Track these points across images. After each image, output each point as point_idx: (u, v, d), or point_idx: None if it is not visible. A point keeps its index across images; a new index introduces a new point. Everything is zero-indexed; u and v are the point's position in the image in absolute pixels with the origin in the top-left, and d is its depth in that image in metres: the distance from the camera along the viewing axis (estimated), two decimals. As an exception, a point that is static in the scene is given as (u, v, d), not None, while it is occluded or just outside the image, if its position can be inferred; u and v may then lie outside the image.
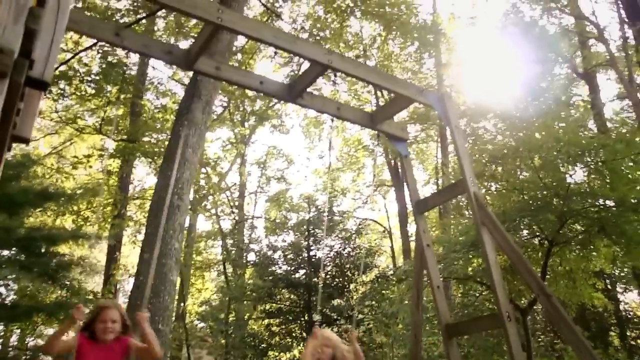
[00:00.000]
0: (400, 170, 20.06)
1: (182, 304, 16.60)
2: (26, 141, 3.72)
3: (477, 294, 11.80)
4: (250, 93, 20.54)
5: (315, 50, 4.60)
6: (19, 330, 15.37)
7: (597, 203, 9.21)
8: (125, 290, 19.09)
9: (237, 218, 19.59)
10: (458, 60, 20.53)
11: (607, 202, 9.14)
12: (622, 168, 8.92)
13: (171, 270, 7.74)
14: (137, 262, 8.88)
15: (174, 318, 15.74)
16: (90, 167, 16.40)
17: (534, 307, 16.11)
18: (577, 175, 10.54)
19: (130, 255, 20.17)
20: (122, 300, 16.92)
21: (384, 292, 13.19)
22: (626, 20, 13.07)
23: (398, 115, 15.43)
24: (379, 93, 19.45)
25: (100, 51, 15.09)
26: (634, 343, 15.90)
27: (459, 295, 13.62)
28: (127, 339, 3.75)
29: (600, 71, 19.07)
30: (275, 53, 17.17)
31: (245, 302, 14.52)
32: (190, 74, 11.08)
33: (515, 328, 4.30)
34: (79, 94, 15.05)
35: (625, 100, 17.78)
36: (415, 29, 17.69)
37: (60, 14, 3.15)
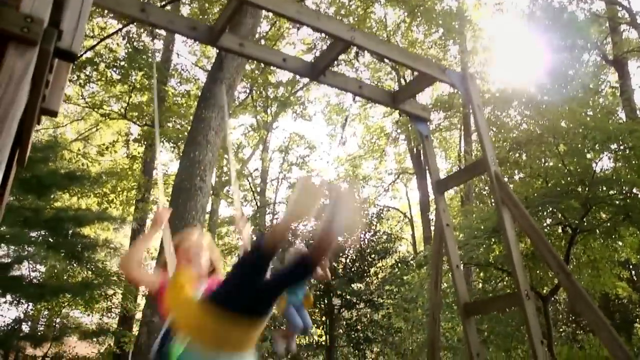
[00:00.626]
0: (422, 156, 19.94)
1: (204, 287, 16.84)
2: (54, 114, 3.81)
3: (498, 281, 11.73)
4: (273, 79, 20.60)
5: (338, 27, 4.60)
6: (46, 312, 15.77)
7: (623, 191, 9.07)
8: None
9: (258, 204, 19.74)
10: (483, 47, 20.23)
11: (634, 190, 9.00)
12: (650, 155, 8.75)
13: (193, 251, 7.84)
14: (159, 245, 9.02)
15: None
16: (116, 152, 16.67)
17: (556, 297, 16.00)
18: (604, 162, 10.38)
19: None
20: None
21: (404, 277, 13.20)
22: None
23: (421, 102, 15.31)
24: (401, 74, 19.30)
25: (126, 37, 15.32)
26: (658, 335, 15.61)
27: (480, 281, 13.55)
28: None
29: (631, 58, 18.61)
30: (298, 29, 17.03)
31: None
32: (214, 59, 11.17)
33: (533, 307, 4.29)
34: (104, 79, 15.29)
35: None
36: (440, 15, 17.48)
37: (88, -13, 3.21)
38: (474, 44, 20.10)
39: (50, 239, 9.50)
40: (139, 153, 16.61)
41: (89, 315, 16.14)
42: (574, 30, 16.05)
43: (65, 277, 14.12)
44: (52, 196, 10.63)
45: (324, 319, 13.10)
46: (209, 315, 2.26)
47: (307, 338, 13.26)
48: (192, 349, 2.38)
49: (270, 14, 19.14)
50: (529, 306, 4.23)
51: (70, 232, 9.93)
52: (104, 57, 14.58)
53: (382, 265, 13.90)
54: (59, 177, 9.90)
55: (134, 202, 17.27)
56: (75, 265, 11.95)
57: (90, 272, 11.92)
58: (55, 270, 14.00)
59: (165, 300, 2.79)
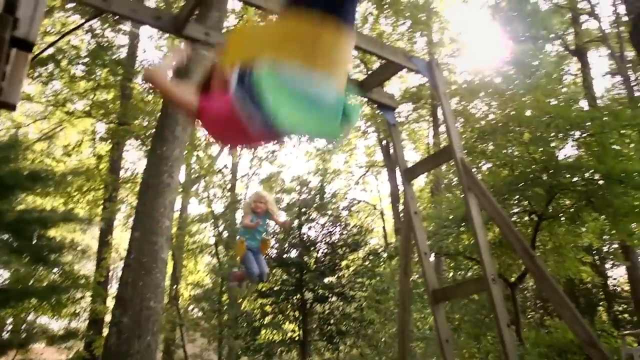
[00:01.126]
0: (391, 147, 20.07)
1: (174, 287, 16.65)
2: (13, 108, 3.68)
3: (468, 269, 11.92)
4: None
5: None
6: (10, 319, 15.36)
7: (585, 177, 9.29)
8: (118, 275, 19.12)
9: (229, 200, 19.58)
10: (450, 39, 20.46)
11: (595, 175, 9.22)
12: (611, 141, 8.99)
13: (162, 248, 7.75)
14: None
15: (166, 299, 15.79)
16: (81, 152, 16.30)
17: (524, 284, 16.36)
18: (567, 150, 10.62)
19: (122, 240, 20.16)
20: (114, 282, 17.02)
21: (375, 269, 13.30)
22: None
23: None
24: (369, 66, 19.37)
25: (90, 33, 14.97)
26: (620, 317, 16.13)
27: (451, 271, 13.75)
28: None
29: (591, 48, 19.08)
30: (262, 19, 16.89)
31: (238, 281, 14.58)
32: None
33: (500, 291, 4.37)
34: (67, 77, 14.90)
35: (616, 76, 17.82)
36: (408, 7, 17.59)
37: (42, -26, 3.11)
38: (440, 35, 20.31)
39: (13, 243, 9.23)
40: (105, 152, 16.28)
41: (56, 320, 15.80)
42: (537, 20, 16.37)
43: (30, 282, 13.76)
44: (14, 198, 10.34)
45: (296, 313, 13.11)
46: (290, 20, 2.09)
47: (280, 334, 13.24)
48: (282, 67, 2.09)
49: (237, 7, 19.00)
50: (495, 290, 4.30)
51: (35, 234, 9.66)
52: (66, 53, 14.20)
53: (354, 258, 13.97)
54: (22, 177, 9.61)
55: (101, 202, 16.92)
56: (41, 268, 11.65)
57: (57, 276, 11.64)
58: (20, 275, 13.63)
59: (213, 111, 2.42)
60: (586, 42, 17.86)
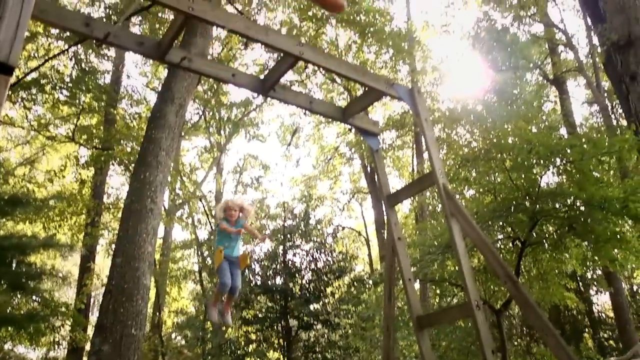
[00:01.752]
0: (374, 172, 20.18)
1: (157, 314, 16.35)
2: (-9, 132, 3.63)
3: (453, 296, 11.89)
4: (225, 100, 20.52)
5: (287, 42, 4.63)
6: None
7: (566, 203, 9.39)
8: (99, 301, 18.74)
9: (213, 226, 19.43)
10: (432, 67, 20.83)
11: (577, 202, 9.32)
12: (590, 168, 9.11)
13: (144, 274, 7.64)
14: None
15: (149, 327, 15.49)
16: (64, 176, 16.12)
17: (510, 311, 16.36)
18: (549, 176, 10.75)
19: (104, 266, 19.84)
20: (96, 310, 16.64)
21: (360, 296, 13.21)
22: (591, 27, 13.43)
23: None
24: (353, 93, 19.60)
25: (73, 58, 14.96)
26: (606, 344, 16.16)
27: (436, 297, 13.71)
28: None
29: (569, 78, 19.56)
30: (246, 45, 17.10)
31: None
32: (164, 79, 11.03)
33: (483, 316, 4.36)
34: (51, 101, 14.83)
35: (594, 105, 18.24)
36: (390, 36, 17.91)
37: (26, -1, 3.12)
38: (423, 64, 20.67)
39: (-9, 268, 9.02)
40: (88, 177, 16.11)
41: (34, 349, 15.38)
42: (516, 50, 16.76)
43: (8, 309, 13.41)
44: (-7, 223, 10.15)
45: (281, 341, 12.94)
46: None
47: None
48: None
49: (222, 35, 19.21)
50: (479, 316, 4.30)
51: (15, 260, 9.46)
52: (50, 78, 14.16)
53: (339, 285, 13.89)
54: (1, 202, 9.47)
55: (83, 227, 16.67)
56: (20, 295, 11.38)
57: (36, 303, 11.39)
58: (-3, 302, 13.29)
59: None
60: (564, 71, 18.32)
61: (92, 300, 18.54)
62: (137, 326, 7.34)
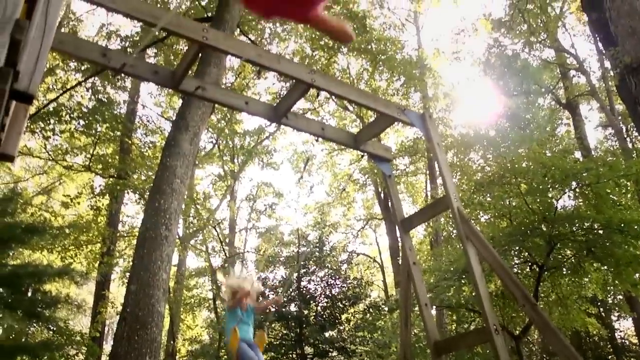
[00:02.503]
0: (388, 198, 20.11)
1: (172, 342, 16.25)
2: (11, 159, 3.73)
3: (470, 321, 11.70)
4: (239, 129, 20.73)
5: (299, 69, 4.70)
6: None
7: (584, 226, 9.27)
8: (114, 329, 18.70)
9: (227, 254, 19.42)
10: (444, 93, 20.92)
11: (595, 225, 9.20)
12: (607, 191, 9.03)
13: (159, 302, 7.62)
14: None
15: (163, 355, 15.37)
16: (79, 203, 16.29)
17: (529, 337, 16.02)
18: (564, 200, 10.65)
19: (119, 294, 19.85)
20: (110, 338, 16.57)
21: (376, 322, 13.04)
22: (603, 51, 13.47)
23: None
24: (365, 120, 19.70)
25: (91, 89, 15.30)
26: (630, 371, 15.73)
27: (453, 323, 13.49)
28: None
29: (582, 102, 19.52)
30: (259, 74, 17.33)
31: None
32: (179, 108, 11.21)
33: (502, 341, 4.28)
34: (68, 132, 15.12)
35: (608, 128, 18.14)
36: (401, 64, 18.06)
37: (47, 29, 3.22)
38: (434, 90, 20.77)
39: (7, 297, 9.06)
40: (103, 205, 16.26)
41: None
42: (527, 76, 16.81)
43: (23, 338, 13.44)
44: (10, 251, 10.25)
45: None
46: None
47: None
48: None
49: (235, 65, 19.52)
50: (498, 340, 4.21)
51: (30, 289, 9.51)
52: (67, 109, 14.48)
53: (354, 312, 13.73)
54: (19, 230, 9.57)
55: (98, 255, 16.76)
56: (35, 324, 11.39)
57: (51, 332, 11.38)
58: (13, 331, 13.34)
59: None
60: (576, 95, 18.30)
61: (106, 328, 18.51)
62: (152, 354, 7.29)
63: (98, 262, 16.40)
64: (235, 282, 4.53)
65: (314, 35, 18.25)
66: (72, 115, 14.37)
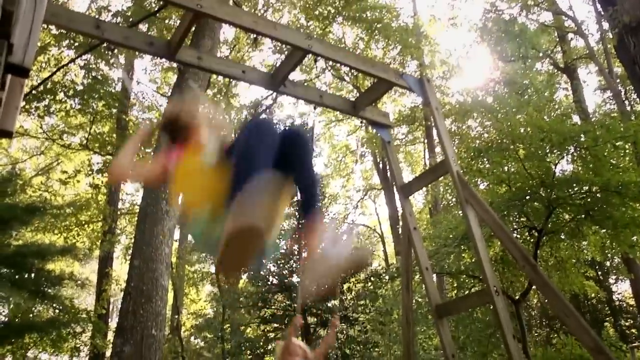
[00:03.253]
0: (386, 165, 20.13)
1: (176, 316, 16.47)
2: (9, 135, 3.72)
3: (470, 287, 11.86)
4: (236, 103, 20.60)
5: (295, 35, 4.66)
6: (9, 356, 15.12)
7: (582, 190, 9.32)
8: (119, 307, 18.92)
9: None
10: (441, 61, 20.75)
11: (593, 188, 9.25)
12: (605, 154, 9.04)
13: (162, 275, 7.71)
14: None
15: (168, 329, 15.60)
16: (78, 182, 16.29)
17: (529, 302, 16.25)
18: (562, 164, 10.68)
19: (122, 272, 20.02)
20: (115, 316, 16.81)
21: (377, 291, 13.20)
22: (601, 12, 13.30)
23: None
24: (362, 90, 19.59)
25: (85, 67, 15.12)
26: (627, 332, 16.00)
27: (454, 290, 13.67)
28: None
29: (580, 65, 19.38)
30: (255, 43, 17.13)
31: (240, 308, 14.46)
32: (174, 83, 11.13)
33: (503, 302, 4.35)
34: (64, 111, 15.01)
35: (607, 92, 18.04)
36: (397, 31, 17.87)
37: (39, 1, 3.19)
38: (431, 58, 20.60)
39: (12, 277, 9.14)
40: (102, 183, 16.26)
41: (56, 355, 15.50)
42: (525, 40, 16.64)
43: (30, 316, 13.59)
44: (12, 231, 10.30)
45: (300, 338, 12.95)
46: None
47: None
48: None
49: (230, 38, 19.30)
50: (499, 302, 4.28)
51: (34, 268, 9.58)
52: (62, 86, 14.34)
53: (355, 281, 13.88)
54: (19, 210, 9.59)
55: (100, 234, 16.84)
56: (41, 303, 11.51)
57: (57, 310, 11.51)
58: (20, 310, 13.49)
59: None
60: (574, 59, 18.16)
61: (111, 306, 18.72)
62: (158, 327, 7.41)
63: (100, 240, 16.49)
64: (293, 345, 4.20)
65: (308, 5, 18.01)
66: (67, 94, 14.24)
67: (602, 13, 14.09)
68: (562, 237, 10.59)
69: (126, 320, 7.31)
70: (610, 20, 8.99)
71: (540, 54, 18.05)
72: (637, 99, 16.31)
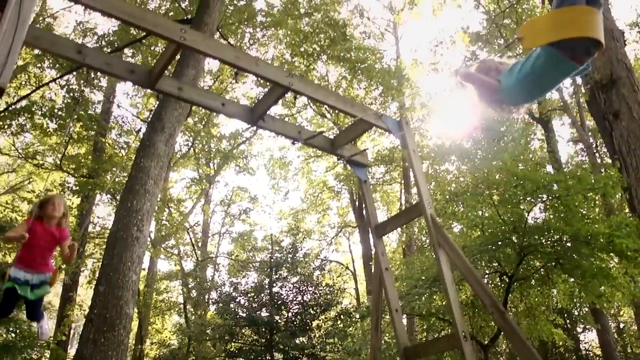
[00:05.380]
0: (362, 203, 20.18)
1: (139, 345, 15.98)
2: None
3: (440, 330, 11.80)
4: (216, 132, 20.62)
5: (277, 72, 4.70)
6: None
7: (553, 238, 9.45)
8: (79, 333, 18.29)
9: (199, 257, 19.22)
10: (421, 104, 21.14)
11: (563, 237, 9.38)
12: (576, 204, 9.22)
13: (127, 303, 7.50)
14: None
15: (130, 359, 15.10)
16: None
17: (498, 348, 16.21)
18: (535, 212, 10.85)
19: (87, 297, 19.44)
20: (76, 342, 16.20)
21: (346, 329, 13.03)
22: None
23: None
24: (343, 128, 19.78)
25: (65, 87, 15.01)
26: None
27: (424, 332, 13.59)
28: (65, 231, 4.30)
29: (555, 117, 19.93)
30: (235, 77, 17.30)
31: (207, 340, 14.11)
32: (155, 108, 11.09)
33: (471, 347, 4.33)
34: (40, 130, 14.80)
35: (578, 144, 18.56)
36: (380, 73, 18.22)
37: (20, 23, 3.18)
38: (412, 101, 20.99)
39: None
40: (74, 204, 15.95)
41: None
42: (503, 89, 17.06)
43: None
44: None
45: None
46: None
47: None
48: None
49: (214, 69, 19.44)
50: (467, 347, 4.26)
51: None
52: (40, 105, 14.18)
53: (325, 318, 13.72)
54: (-17, 229, 9.33)
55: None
56: (-5, 327, 11.04)
57: (13, 334, 11.06)
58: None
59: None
60: (549, 110, 18.68)
61: (72, 332, 18.10)
62: (118, 357, 7.16)
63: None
64: None
65: (294, 42, 18.31)
66: (44, 113, 14.06)
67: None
68: (533, 283, 10.68)
69: (86, 349, 7.06)
70: (582, 76, 9.32)
71: (517, 103, 18.51)
72: (607, 153, 16.80)
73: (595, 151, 17.01)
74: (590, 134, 17.26)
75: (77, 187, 15.38)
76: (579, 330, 17.52)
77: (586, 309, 15.58)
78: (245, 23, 17.08)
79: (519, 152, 13.78)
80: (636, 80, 7.42)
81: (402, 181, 21.64)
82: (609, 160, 12.08)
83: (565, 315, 16.06)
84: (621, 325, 21.21)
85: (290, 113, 20.35)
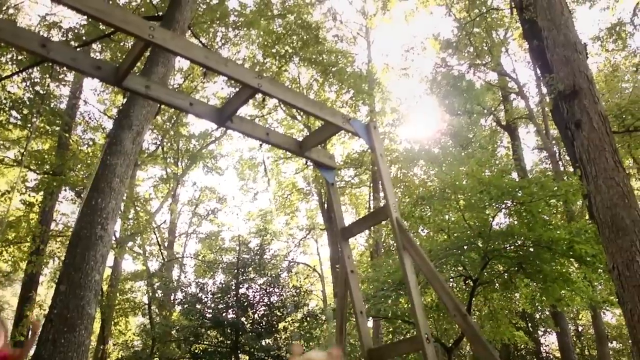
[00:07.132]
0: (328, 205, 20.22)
1: (102, 347, 15.64)
2: None
3: (405, 333, 11.93)
4: (185, 132, 20.37)
5: (246, 73, 4.68)
6: None
7: (516, 243, 9.67)
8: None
9: (165, 258, 18.94)
10: (391, 109, 21.36)
11: (526, 242, 9.61)
12: (539, 210, 9.46)
13: (89, 303, 7.33)
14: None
15: (91, 361, 14.76)
16: (10, 199, 15.44)
17: (461, 350, 16.47)
18: (500, 218, 11.08)
19: (48, 297, 18.91)
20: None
21: (312, 331, 13.04)
22: (541, 77, 14.16)
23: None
24: (313, 130, 19.81)
25: (28, 80, 14.59)
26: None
27: (390, 335, 13.70)
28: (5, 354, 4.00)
29: (521, 125, 20.42)
30: (204, 76, 17.17)
31: (171, 342, 13.89)
32: (122, 105, 10.90)
33: (433, 350, 4.39)
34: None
35: (543, 151, 19.02)
36: (351, 77, 18.33)
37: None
38: (382, 105, 21.17)
39: None
40: (36, 201, 15.48)
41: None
42: (471, 96, 17.44)
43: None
44: None
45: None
46: None
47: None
48: None
49: (185, 67, 19.21)
50: (429, 349, 4.32)
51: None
52: (1, 99, 13.73)
53: (291, 320, 13.69)
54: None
55: (26, 255, 15.90)
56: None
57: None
58: None
59: None
60: (515, 118, 19.15)
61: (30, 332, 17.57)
62: (79, 358, 6.99)
63: (26, 261, 15.57)
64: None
65: (266, 43, 18.25)
66: (4, 106, 13.62)
67: (541, 78, 15.00)
68: (496, 287, 10.90)
69: (45, 349, 6.86)
70: (547, 86, 9.56)
71: (485, 111, 18.93)
72: (570, 161, 17.27)
73: (558, 159, 17.48)
74: (554, 142, 17.73)
75: (40, 184, 14.97)
76: (540, 333, 17.94)
77: (547, 313, 15.99)
78: (218, 22, 16.93)
79: (485, 159, 14.08)
80: (597, 91, 7.66)
81: (371, 184, 21.79)
82: (572, 169, 12.44)
83: (527, 318, 16.44)
84: (580, 328, 21.83)
85: (260, 114, 20.27)
